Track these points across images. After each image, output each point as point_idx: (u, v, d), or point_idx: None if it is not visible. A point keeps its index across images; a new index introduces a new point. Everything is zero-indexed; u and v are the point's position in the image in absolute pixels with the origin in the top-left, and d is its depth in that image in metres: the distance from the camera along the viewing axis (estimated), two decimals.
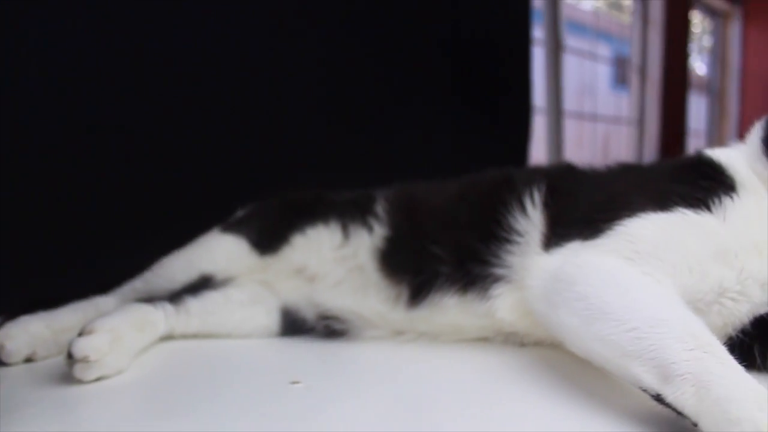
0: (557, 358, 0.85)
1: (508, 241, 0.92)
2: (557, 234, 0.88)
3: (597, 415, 0.68)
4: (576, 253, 0.82)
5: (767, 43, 5.84)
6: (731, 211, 0.83)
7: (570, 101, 4.40)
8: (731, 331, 0.82)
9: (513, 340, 0.95)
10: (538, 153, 2.39)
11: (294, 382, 0.80)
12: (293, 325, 1.05)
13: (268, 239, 1.09)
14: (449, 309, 0.95)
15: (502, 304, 0.91)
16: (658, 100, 5.02)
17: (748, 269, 0.80)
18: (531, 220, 0.93)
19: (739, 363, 0.80)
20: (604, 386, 0.74)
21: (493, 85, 1.91)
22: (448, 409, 0.73)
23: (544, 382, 0.80)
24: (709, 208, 0.83)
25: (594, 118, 4.73)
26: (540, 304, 0.81)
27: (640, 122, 5.06)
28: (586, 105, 4.66)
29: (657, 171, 0.99)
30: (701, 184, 0.86)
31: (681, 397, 0.59)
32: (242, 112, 1.50)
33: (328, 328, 1.03)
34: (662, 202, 0.83)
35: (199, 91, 1.41)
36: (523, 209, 0.94)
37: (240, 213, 1.18)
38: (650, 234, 0.80)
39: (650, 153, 4.89)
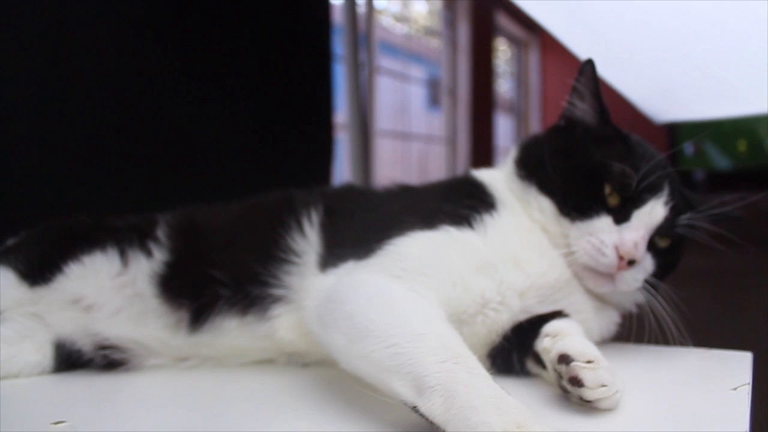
0: (337, 377, 0.87)
1: (287, 261, 0.94)
2: (333, 254, 0.90)
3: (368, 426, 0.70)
4: (349, 273, 0.84)
5: (562, 69, 6.41)
6: (491, 227, 0.90)
7: (386, 121, 4.57)
8: (495, 338, 0.89)
9: (295, 361, 0.96)
10: (348, 172, 2.44)
11: (57, 422, 0.74)
12: (68, 359, 0.97)
13: (39, 269, 1.00)
14: (230, 332, 0.94)
15: (281, 325, 0.92)
16: (467, 120, 5.35)
17: (507, 281, 0.87)
18: (309, 240, 0.95)
19: (502, 370, 0.87)
20: (376, 400, 0.76)
21: (295, 105, 1.92)
22: None
23: (323, 402, 0.81)
24: (471, 225, 0.89)
25: (409, 137, 4.94)
26: (314, 324, 0.82)
27: (453, 141, 5.36)
28: (402, 125, 4.85)
29: (428, 191, 1.04)
30: (465, 203, 0.92)
31: (432, 407, 0.61)
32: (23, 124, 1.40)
33: (106, 358, 0.97)
34: (429, 221, 0.88)
35: None
36: (301, 230, 0.95)
37: (10, 242, 1.09)
38: (416, 252, 0.85)
39: (462, 169, 5.19)
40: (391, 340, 0.68)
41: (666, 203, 0.91)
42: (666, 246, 0.94)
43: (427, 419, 0.62)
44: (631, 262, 0.89)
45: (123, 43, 1.57)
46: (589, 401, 0.72)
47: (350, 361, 0.74)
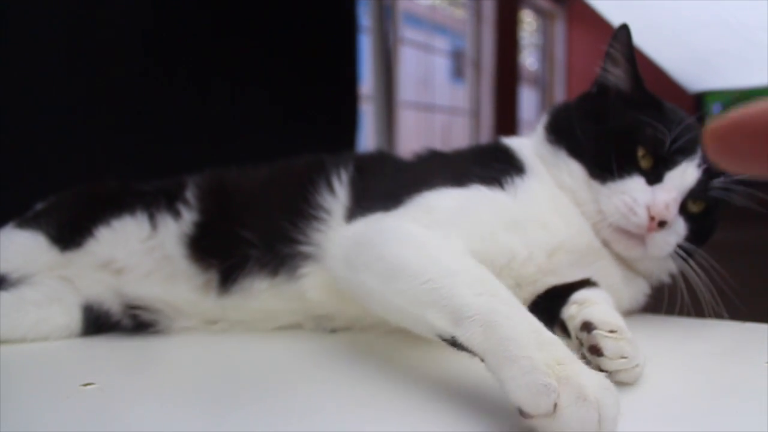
0: (365, 344, 0.87)
1: (316, 218, 0.93)
2: (361, 206, 0.90)
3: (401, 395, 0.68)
4: (377, 220, 0.84)
5: (588, 41, 6.29)
6: (521, 190, 0.90)
7: (410, 92, 4.53)
8: (525, 296, 0.88)
9: (323, 325, 0.96)
10: (372, 143, 2.43)
11: (86, 384, 0.74)
12: (96, 321, 0.98)
13: (70, 233, 1.01)
14: (260, 293, 0.94)
15: (311, 284, 0.91)
16: (491, 92, 5.29)
17: (536, 241, 0.87)
18: (338, 197, 0.95)
19: None
20: (404, 367, 0.76)
21: (319, 76, 1.91)
22: (253, 401, 0.70)
23: (351, 367, 0.80)
24: (502, 186, 0.89)
25: (433, 109, 4.90)
26: (342, 269, 0.81)
27: (476, 113, 5.30)
28: (425, 96, 4.81)
29: (459, 155, 1.04)
30: (495, 166, 0.92)
31: (471, 337, 0.60)
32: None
33: (135, 318, 0.97)
34: (460, 180, 0.88)
35: None
36: (331, 187, 0.95)
37: (38, 206, 1.09)
38: (446, 205, 0.84)
39: (485, 142, 5.14)
40: (425, 276, 0.67)
41: (699, 165, 0.90)
42: (700, 210, 0.93)
43: (465, 349, 0.61)
44: (662, 224, 0.87)
45: (149, 10, 1.57)
46: (607, 372, 0.70)
47: (382, 303, 0.74)
